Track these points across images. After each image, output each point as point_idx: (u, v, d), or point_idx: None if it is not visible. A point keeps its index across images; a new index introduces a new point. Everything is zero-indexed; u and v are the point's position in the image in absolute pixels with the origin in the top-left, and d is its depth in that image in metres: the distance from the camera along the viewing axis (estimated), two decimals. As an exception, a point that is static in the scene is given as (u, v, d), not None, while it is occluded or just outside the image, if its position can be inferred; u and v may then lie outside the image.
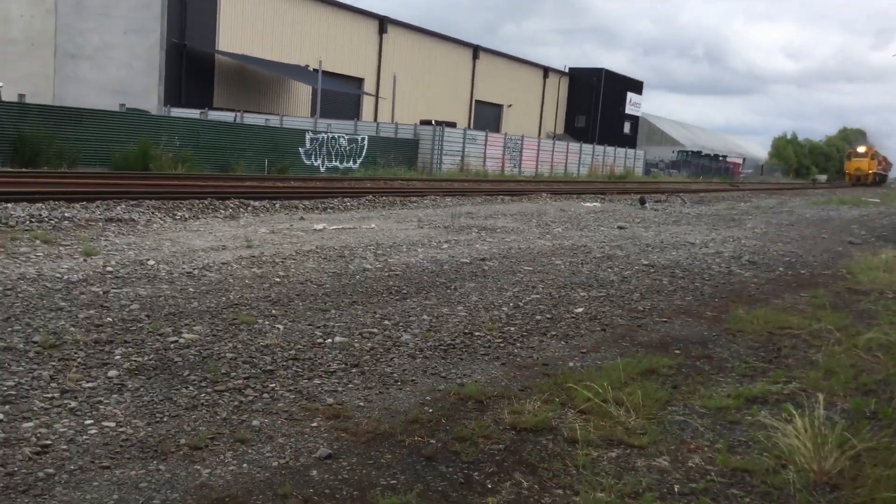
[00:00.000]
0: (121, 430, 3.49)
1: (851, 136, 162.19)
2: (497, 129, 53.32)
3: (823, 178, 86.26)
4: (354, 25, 49.17)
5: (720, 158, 77.65)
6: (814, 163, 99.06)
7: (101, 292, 5.99)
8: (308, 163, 28.92)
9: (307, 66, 44.05)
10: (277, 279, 7.11)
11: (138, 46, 39.21)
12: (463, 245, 10.20)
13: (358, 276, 7.59)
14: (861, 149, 79.37)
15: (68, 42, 39.31)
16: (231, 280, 6.89)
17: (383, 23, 51.37)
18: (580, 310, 6.75)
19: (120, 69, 39.20)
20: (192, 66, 40.16)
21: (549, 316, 6.44)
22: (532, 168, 42.36)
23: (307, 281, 7.16)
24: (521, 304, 6.87)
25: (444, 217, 13.58)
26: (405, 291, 7.08)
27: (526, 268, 8.80)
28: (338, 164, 30.26)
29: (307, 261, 8.17)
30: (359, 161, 31.16)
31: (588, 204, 19.32)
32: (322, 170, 29.24)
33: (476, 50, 59.81)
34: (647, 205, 20.02)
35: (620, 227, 13.81)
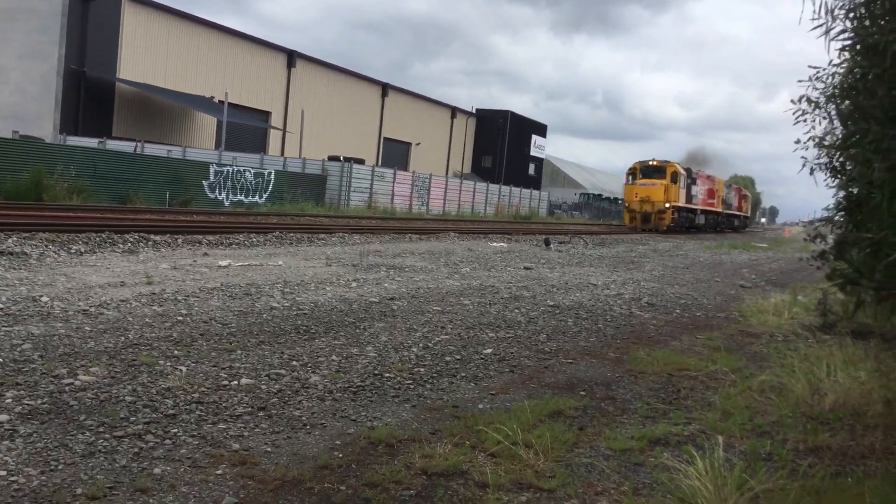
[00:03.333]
0: (12, 478, 3.29)
1: (741, 183, 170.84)
2: (405, 167, 53.66)
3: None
4: (262, 58, 48.80)
5: (619, 201, 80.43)
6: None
7: (-11, 331, 5.66)
8: (212, 196, 28.33)
9: (213, 97, 43.37)
10: (180, 318, 6.90)
11: (34, 71, 37.74)
12: (372, 284, 10.16)
13: (265, 315, 7.44)
14: (654, 161, 41.38)
15: (-43, 63, 37.51)
16: (130, 318, 6.64)
17: (292, 57, 51.20)
18: (489, 351, 6.81)
19: (13, 94, 37.61)
20: (91, 93, 38.88)
21: (458, 357, 6.47)
22: (440, 206, 42.75)
23: (211, 320, 6.98)
24: (430, 344, 6.88)
25: (352, 255, 13.51)
26: (314, 331, 6.99)
27: (435, 308, 8.83)
28: (243, 198, 29.75)
29: (211, 298, 7.97)
30: (265, 196, 30.74)
31: (495, 244, 19.60)
32: (226, 204, 28.68)
33: (385, 87, 60.29)
34: (551, 246, 20.47)
35: (527, 268, 14.05)
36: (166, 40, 42.27)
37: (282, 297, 8.53)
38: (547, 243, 20.80)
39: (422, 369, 5.95)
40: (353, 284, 9.95)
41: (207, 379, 5.09)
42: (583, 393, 5.65)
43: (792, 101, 5.02)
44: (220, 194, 28.75)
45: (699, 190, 46.57)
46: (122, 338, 5.97)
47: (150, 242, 12.06)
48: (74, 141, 32.00)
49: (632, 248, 24.80)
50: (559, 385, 5.83)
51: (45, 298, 6.97)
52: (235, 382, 5.06)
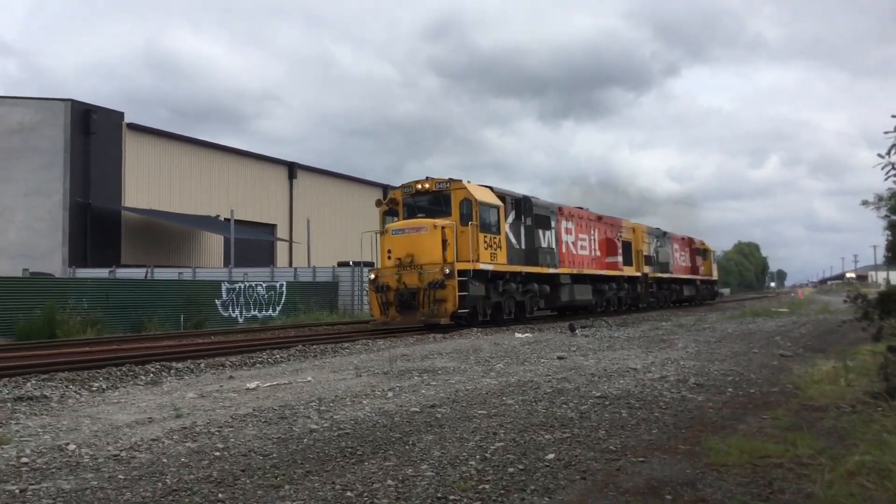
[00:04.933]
0: None
1: (746, 250, 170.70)
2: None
3: (727, 291, 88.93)
4: (264, 172, 49.45)
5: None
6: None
7: (17, 491, 5.20)
8: (225, 314, 28.07)
9: (217, 215, 43.69)
10: (217, 453, 6.43)
11: (39, 207, 38.13)
12: (408, 392, 9.68)
13: (305, 440, 6.96)
14: (427, 183, 22.79)
15: (-36, 209, 37.89)
16: (165, 460, 6.17)
17: (292, 168, 51.90)
18: (551, 456, 6.30)
19: (20, 232, 37.87)
20: (97, 224, 39.15)
21: (521, 467, 5.96)
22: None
23: (251, 452, 6.50)
24: (487, 455, 6.38)
25: (380, 362, 13.05)
26: (360, 453, 6.50)
27: (480, 412, 8.33)
28: (256, 313, 29.48)
29: (246, 427, 7.50)
30: (278, 308, 30.46)
31: (521, 335, 19.11)
32: (240, 320, 28.38)
33: (385, 189, 60.88)
34: (577, 331, 19.97)
35: (560, 358, 13.56)
36: (168, 164, 42.90)
37: (319, 416, 8.05)
38: (572, 329, 20.31)
39: (486, 486, 5.44)
40: (390, 394, 9.47)
41: (259, 524, 4.60)
42: (669, 497, 5.12)
43: (880, 156, 4.70)
44: (233, 311, 28.51)
45: (572, 239, 29.38)
46: (160, 484, 5.49)
47: (172, 371, 11.64)
48: (84, 273, 31.96)
49: (655, 325, 24.26)
50: (640, 490, 5.31)
51: (72, 446, 6.52)
52: (291, 525, 4.57)
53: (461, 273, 20.93)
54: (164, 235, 41.91)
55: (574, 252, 29.68)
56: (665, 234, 41.99)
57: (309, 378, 11.00)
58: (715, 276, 53.67)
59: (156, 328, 23.36)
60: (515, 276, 24.47)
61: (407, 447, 6.73)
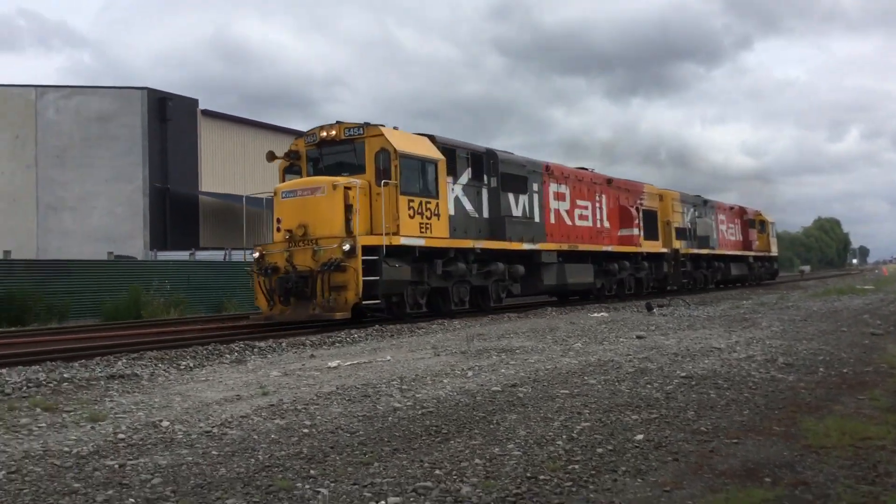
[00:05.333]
0: None
1: (826, 226, 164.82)
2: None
3: (807, 268, 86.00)
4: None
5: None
6: (795, 254, 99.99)
7: (116, 466, 5.35)
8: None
9: (291, 198, 44.39)
10: (305, 430, 6.50)
11: (121, 193, 39.35)
12: (488, 371, 9.64)
13: (390, 418, 6.99)
14: (335, 129, 17.53)
15: (50, 195, 39.39)
16: (255, 436, 6.27)
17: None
18: (640, 436, 6.17)
19: (103, 217, 39.19)
20: (175, 207, 40.25)
21: (609, 447, 5.85)
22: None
23: (337, 429, 6.55)
24: (574, 434, 6.29)
25: (457, 341, 13.05)
26: (446, 431, 6.49)
27: (562, 391, 8.24)
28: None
29: (331, 405, 7.57)
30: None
31: (596, 314, 18.88)
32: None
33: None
34: (654, 310, 19.61)
35: (639, 337, 13.32)
36: (242, 148, 43.75)
37: (401, 395, 8.08)
38: (649, 308, 19.96)
39: (576, 466, 5.36)
40: (470, 373, 9.45)
41: (352, 501, 4.63)
42: (768, 479, 4.95)
43: None
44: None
45: (566, 206, 24.12)
46: (252, 460, 5.58)
47: (255, 349, 11.87)
48: (165, 255, 32.91)
49: (736, 304, 23.64)
50: (736, 472, 5.14)
51: (165, 423, 6.69)
52: (383, 503, 4.58)
53: (368, 250, 15.68)
54: (239, 218, 42.85)
55: (568, 223, 24.16)
56: (706, 202, 36.33)
57: (388, 357, 11.07)
58: (774, 251, 45.81)
59: (235, 309, 23.90)
60: (466, 253, 19.00)
61: (491, 426, 6.69)
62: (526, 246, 21.39)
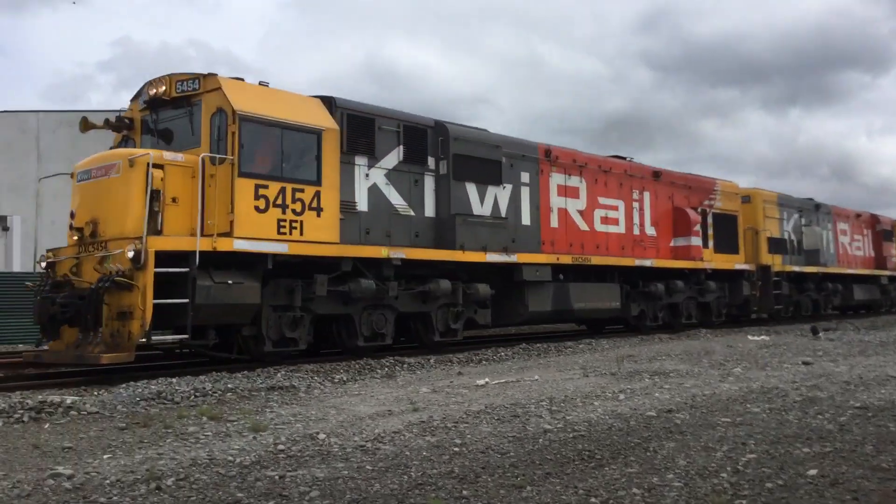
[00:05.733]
0: None
1: None
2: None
3: None
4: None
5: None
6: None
7: (276, 477, 5.52)
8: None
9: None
10: (456, 448, 6.47)
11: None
12: (641, 395, 9.30)
13: (541, 440, 6.84)
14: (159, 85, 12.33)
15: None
16: (408, 453, 6.30)
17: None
18: (813, 472, 5.71)
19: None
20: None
21: (780, 482, 5.45)
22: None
23: (488, 449, 6.48)
24: (739, 467, 5.91)
25: (606, 362, 12.71)
26: (599, 457, 6.27)
27: (723, 419, 7.80)
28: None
29: (481, 423, 7.52)
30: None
31: (755, 337, 17.90)
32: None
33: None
34: (820, 335, 18.37)
35: (805, 363, 12.47)
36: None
37: (551, 416, 7.91)
38: (815, 332, 18.71)
39: (743, 501, 5.02)
40: (622, 396, 9.14)
41: (506, 525, 4.52)
42: (968, 528, 4.43)
43: None
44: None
45: (579, 206, 18.49)
46: (405, 476, 5.60)
47: (405, 365, 12.05)
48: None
49: (912, 328, 21.78)
50: (929, 517, 4.64)
51: (321, 435, 6.85)
52: (538, 529, 4.45)
53: (168, 258, 10.73)
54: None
55: (582, 227, 18.28)
56: (819, 206, 28.01)
57: (536, 377, 10.92)
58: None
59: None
60: (377, 266, 13.47)
61: (648, 453, 6.41)
62: (492, 257, 15.30)
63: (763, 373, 11.39)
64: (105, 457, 6.04)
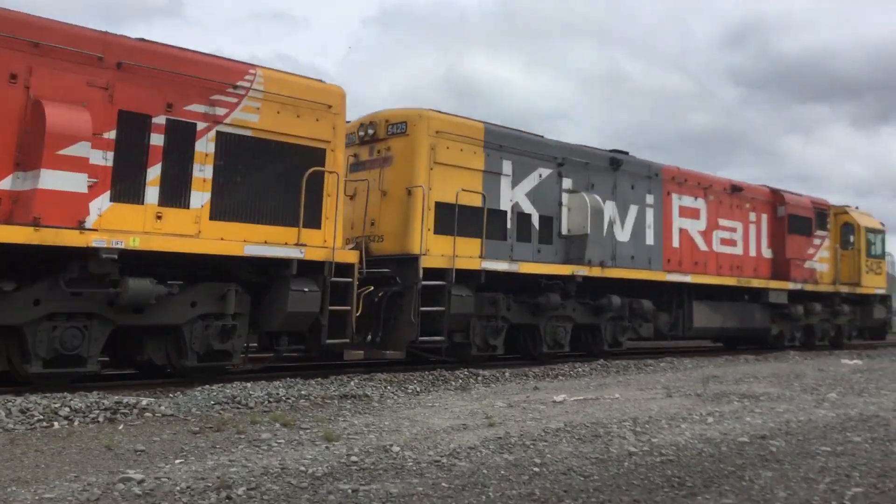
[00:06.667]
0: None
1: None
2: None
3: None
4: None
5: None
6: None
7: (349, 490, 5.29)
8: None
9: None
10: (535, 468, 6.14)
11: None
12: (730, 418, 8.77)
13: (626, 463, 6.45)
14: None
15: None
16: (485, 471, 6.00)
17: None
18: (931, 512, 5.18)
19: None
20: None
21: (894, 522, 4.95)
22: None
23: (569, 471, 6.12)
24: (845, 501, 5.42)
25: (690, 382, 12.15)
26: (690, 484, 5.85)
27: (822, 448, 7.25)
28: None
29: (560, 442, 7.16)
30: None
31: (847, 360, 16.97)
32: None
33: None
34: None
35: (906, 390, 11.67)
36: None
37: (635, 438, 7.49)
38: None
39: (856, 541, 4.55)
40: (710, 420, 8.63)
41: (593, 556, 4.18)
42: None
43: None
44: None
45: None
46: (483, 497, 5.30)
47: (479, 378, 11.75)
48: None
49: None
50: None
51: (395, 448, 6.61)
52: (629, 562, 4.09)
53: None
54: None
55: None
56: (620, 162, 16.73)
57: (616, 395, 10.47)
58: (880, 285, 24.63)
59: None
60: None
61: (744, 483, 5.95)
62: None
63: (860, 399, 10.68)
64: (177, 461, 5.93)
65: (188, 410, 8.10)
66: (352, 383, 10.38)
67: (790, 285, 20.54)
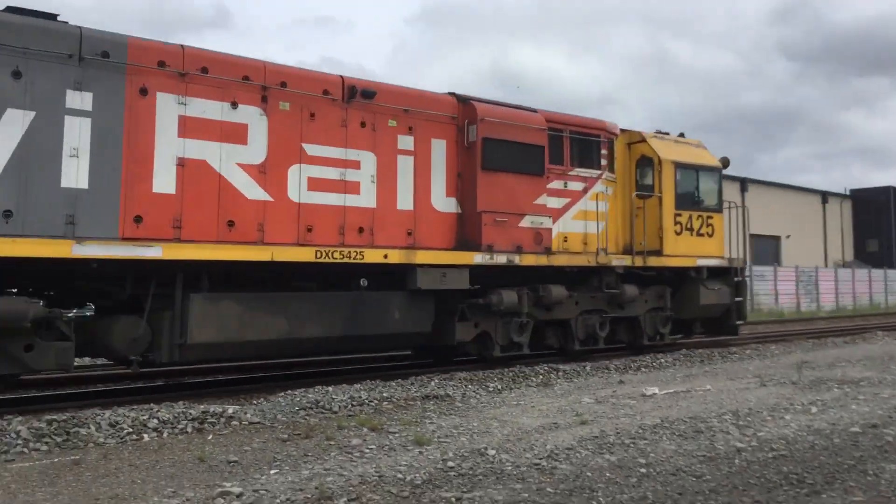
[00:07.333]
0: None
1: None
2: (777, 262, 49.32)
3: None
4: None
5: None
6: None
7: (453, 499, 5.07)
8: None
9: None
10: (642, 469, 5.83)
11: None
12: (835, 407, 8.31)
13: (736, 461, 6.10)
14: None
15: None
16: (589, 474, 5.72)
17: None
18: None
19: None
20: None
21: None
22: (831, 302, 38.02)
23: (678, 471, 5.80)
24: None
25: (780, 369, 11.65)
26: (811, 482, 5.48)
27: (945, 437, 6.77)
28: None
29: (661, 440, 6.83)
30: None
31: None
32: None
33: (744, 182, 56.96)
34: None
35: None
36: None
37: (739, 432, 7.11)
38: None
39: None
40: (814, 409, 8.19)
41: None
42: None
43: None
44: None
45: None
46: (593, 502, 5.02)
47: (559, 373, 11.43)
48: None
49: None
50: None
51: (490, 451, 6.37)
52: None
53: None
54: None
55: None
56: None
57: (707, 386, 10.05)
58: (699, 252, 15.45)
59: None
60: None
61: (868, 478, 5.56)
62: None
63: (972, 382, 10.07)
64: (272, 472, 5.79)
65: (274, 417, 7.99)
66: (432, 383, 10.19)
67: (477, 258, 11.67)
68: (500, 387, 10.28)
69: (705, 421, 7.60)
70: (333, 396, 8.87)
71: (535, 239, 12.42)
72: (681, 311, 14.96)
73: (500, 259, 11.91)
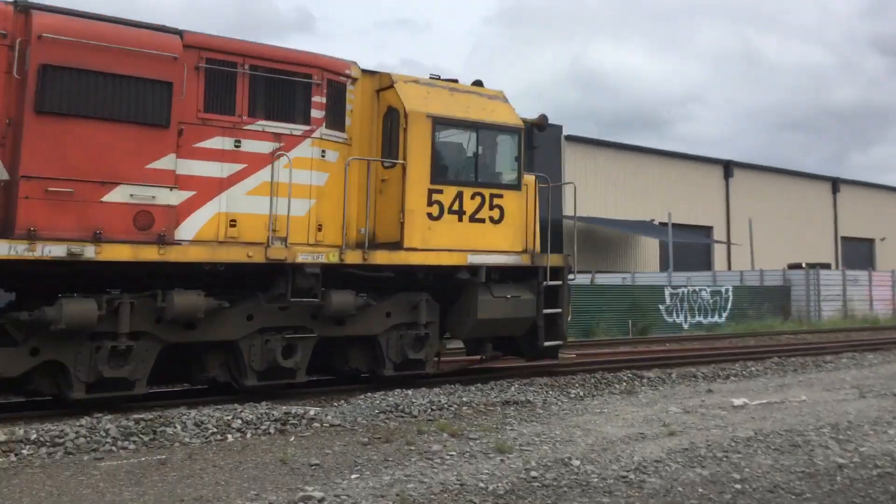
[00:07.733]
0: None
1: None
2: (871, 266, 47.20)
3: None
4: (696, 173, 47.80)
5: None
6: None
7: (538, 511, 4.91)
8: (669, 320, 27.19)
9: (652, 220, 43.30)
10: (736, 485, 5.55)
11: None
12: (944, 423, 7.79)
13: (838, 478, 5.75)
14: None
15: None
16: (679, 488, 5.47)
17: (728, 167, 49.40)
18: None
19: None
20: (543, 232, 41.28)
21: None
22: (931, 308, 36.04)
23: (776, 487, 5.50)
24: None
25: (882, 380, 11.04)
26: (924, 504, 5.10)
27: None
28: (701, 318, 28.09)
29: (756, 454, 6.51)
30: (724, 314, 28.72)
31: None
32: (685, 326, 27.28)
33: (835, 182, 54.80)
34: None
35: None
36: (604, 171, 43.70)
37: (839, 447, 6.73)
38: None
39: None
40: (921, 425, 7.69)
41: None
42: None
43: None
44: (677, 317, 27.53)
45: None
46: (686, 519, 4.79)
47: (644, 380, 11.09)
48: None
49: None
50: None
51: (575, 461, 6.18)
52: None
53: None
54: (603, 242, 42.69)
55: None
56: None
57: (802, 397, 9.59)
58: (470, 246, 10.75)
59: (603, 334, 23.43)
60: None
61: None
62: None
63: None
64: (352, 476, 5.74)
65: (354, 420, 7.97)
66: (512, 388, 10.02)
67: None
68: (581, 393, 10.03)
69: (802, 434, 7.22)
70: (413, 400, 8.80)
71: (136, 221, 8.34)
72: (453, 329, 10.90)
73: (55, 251, 7.76)
